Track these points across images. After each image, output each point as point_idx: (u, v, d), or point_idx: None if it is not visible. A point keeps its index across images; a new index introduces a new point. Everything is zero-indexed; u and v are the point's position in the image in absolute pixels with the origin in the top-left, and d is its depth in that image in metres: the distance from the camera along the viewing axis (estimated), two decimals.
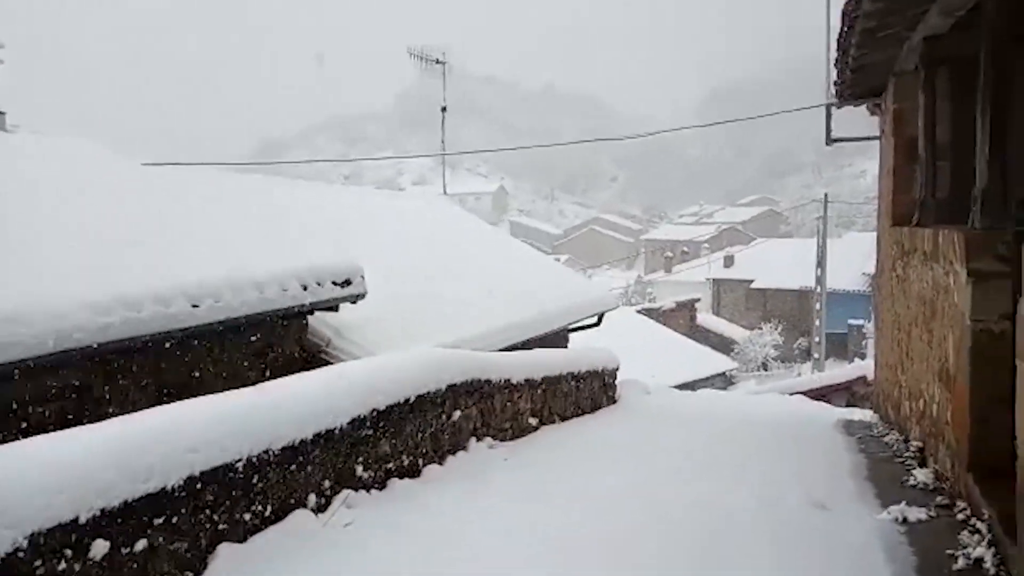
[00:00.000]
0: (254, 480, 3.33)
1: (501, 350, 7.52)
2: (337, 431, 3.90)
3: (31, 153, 6.02)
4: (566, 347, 10.62)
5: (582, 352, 8.52)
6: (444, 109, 11.39)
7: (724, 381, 28.33)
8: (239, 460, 3.21)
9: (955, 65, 5.50)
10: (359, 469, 4.14)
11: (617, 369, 9.56)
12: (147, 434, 2.88)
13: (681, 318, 34.22)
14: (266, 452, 3.38)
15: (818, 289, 25.24)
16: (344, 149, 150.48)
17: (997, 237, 3.91)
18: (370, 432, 4.23)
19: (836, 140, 8.57)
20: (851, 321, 35.09)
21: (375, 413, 4.25)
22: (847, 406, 14.40)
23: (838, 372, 15.29)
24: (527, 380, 6.45)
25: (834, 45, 7.60)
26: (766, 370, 32.66)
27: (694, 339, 34.31)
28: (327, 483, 3.88)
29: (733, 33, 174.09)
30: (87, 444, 2.68)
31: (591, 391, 8.35)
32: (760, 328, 35.09)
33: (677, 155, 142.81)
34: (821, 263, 24.37)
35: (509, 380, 6.07)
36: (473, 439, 5.67)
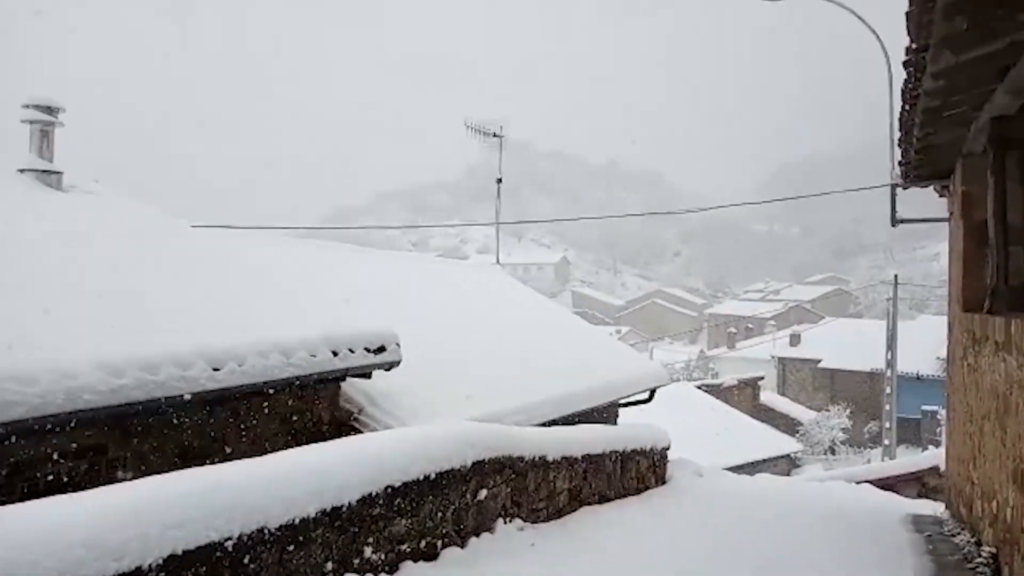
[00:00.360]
0: (245, 561, 3.11)
1: (541, 425, 7.22)
2: (345, 508, 3.67)
3: (78, 212, 6.13)
4: (615, 423, 10.22)
5: (629, 428, 8.14)
6: (499, 181, 11.41)
7: (788, 464, 27.08)
8: (229, 539, 3.00)
9: None
10: (368, 551, 3.88)
11: (668, 448, 9.10)
12: (126, 507, 2.70)
13: (744, 396, 33.08)
14: (260, 530, 3.17)
15: (888, 372, 24.10)
16: (412, 217, 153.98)
17: None
18: (383, 510, 3.98)
19: (902, 221, 8.18)
20: (924, 407, 33.42)
21: (389, 490, 4.01)
22: (918, 497, 13.48)
23: (909, 460, 14.36)
24: (564, 457, 6.14)
25: (898, 124, 7.34)
26: (833, 454, 31.11)
27: (758, 419, 33.11)
28: (330, 565, 3.63)
29: (801, 111, 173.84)
30: (58, 517, 2.51)
31: (637, 471, 7.93)
32: (827, 410, 33.61)
33: (742, 231, 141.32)
34: (891, 345, 23.32)
35: (544, 457, 5.77)
36: (501, 520, 5.35)
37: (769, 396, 35.97)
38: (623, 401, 10.08)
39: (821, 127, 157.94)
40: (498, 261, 11.36)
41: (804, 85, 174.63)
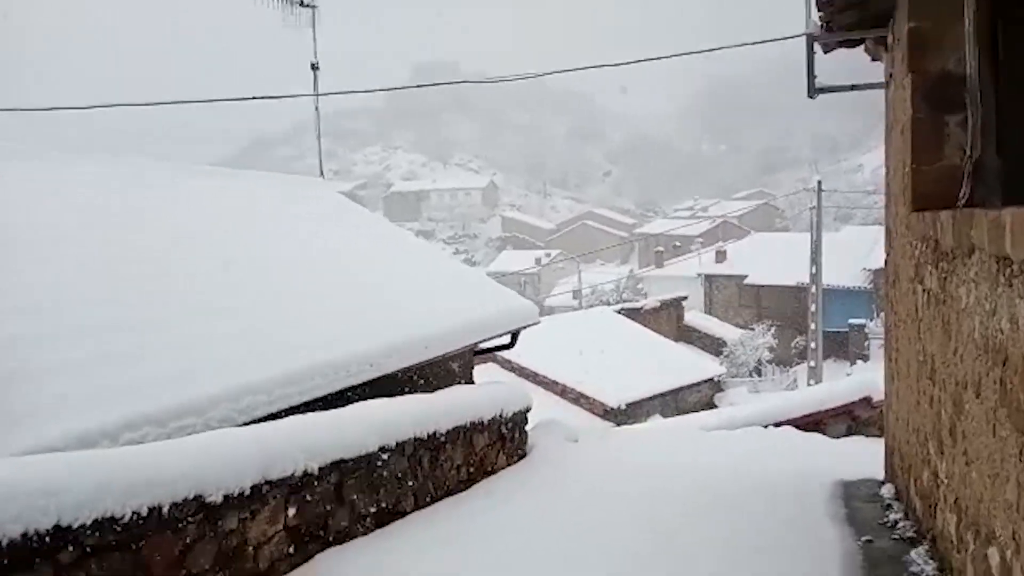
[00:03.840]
0: None
1: (315, 404, 4.89)
2: None
3: None
4: (469, 378, 7.99)
5: (457, 394, 5.89)
6: (315, 67, 8.74)
7: (712, 388, 25.74)
8: None
9: None
10: None
11: (527, 411, 6.94)
12: None
13: (667, 317, 31.56)
14: None
15: (813, 288, 22.59)
16: (332, 144, 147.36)
17: None
18: None
19: (821, 90, 5.95)
20: (852, 320, 32.55)
21: None
22: (847, 433, 11.87)
23: (836, 390, 12.58)
24: (283, 480, 3.73)
25: None
26: (759, 375, 29.99)
27: (682, 340, 31.75)
28: None
29: (720, 35, 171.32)
30: None
31: (471, 454, 5.73)
32: (753, 328, 32.42)
33: (670, 150, 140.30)
34: (815, 256, 21.72)
35: (241, 493, 3.41)
36: None
37: (694, 316, 34.62)
38: (481, 347, 7.86)
39: (744, 47, 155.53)
40: (321, 174, 8.83)
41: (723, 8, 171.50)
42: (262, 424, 3.97)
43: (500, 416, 6.29)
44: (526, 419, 6.96)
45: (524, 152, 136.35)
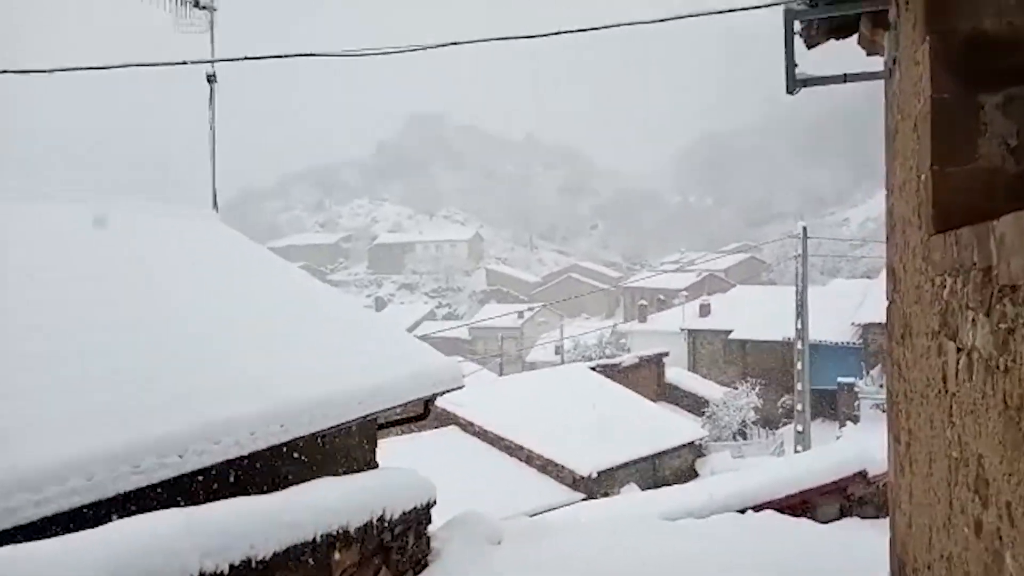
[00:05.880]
0: None
1: (60, 520, 3.27)
2: None
3: None
4: (371, 456, 6.34)
5: (305, 497, 4.24)
6: (212, 79, 7.30)
7: (693, 452, 23.97)
8: None
9: None
10: None
11: (427, 507, 5.30)
12: None
13: (647, 375, 29.89)
14: None
15: (799, 344, 21.06)
16: (321, 197, 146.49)
17: None
18: None
19: (804, 83, 4.54)
20: (840, 379, 30.97)
21: None
22: (840, 515, 10.34)
23: (827, 463, 11.01)
24: None
25: None
26: (744, 438, 28.22)
27: (664, 399, 30.08)
28: None
29: (708, 90, 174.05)
30: None
31: None
32: (736, 387, 30.76)
33: (658, 204, 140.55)
34: (801, 308, 20.22)
35: None
36: None
37: (676, 373, 32.96)
38: (384, 420, 6.27)
39: (732, 102, 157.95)
40: (215, 205, 7.34)
41: (720, 60, 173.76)
42: None
43: (382, 519, 4.68)
44: (427, 517, 5.33)
45: (512, 205, 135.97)
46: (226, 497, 4.06)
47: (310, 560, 4.02)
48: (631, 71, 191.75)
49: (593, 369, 26.94)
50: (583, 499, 16.88)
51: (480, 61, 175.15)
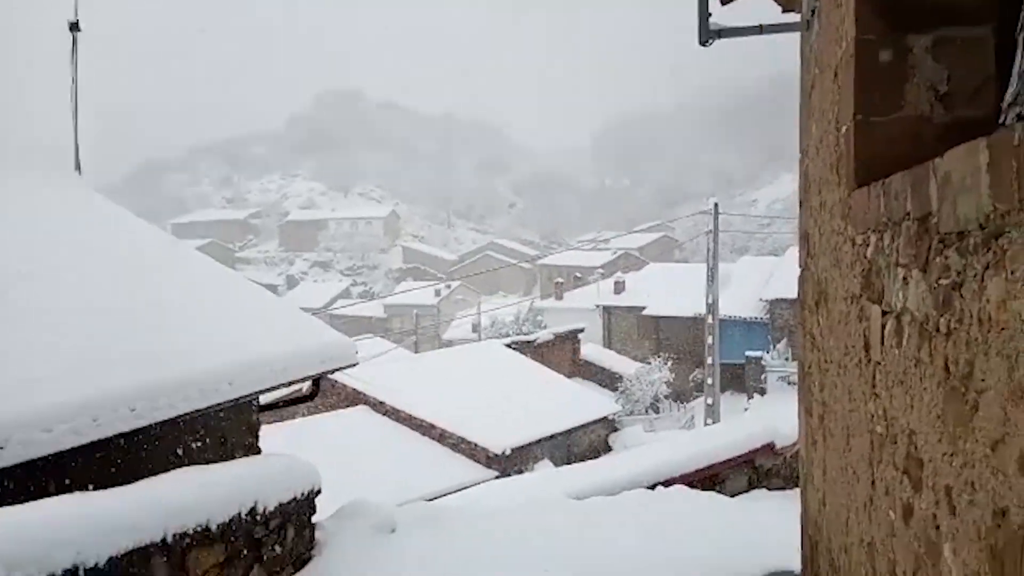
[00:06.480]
0: None
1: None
2: None
3: None
4: (253, 442, 5.78)
5: (161, 489, 3.69)
6: (75, 27, 6.47)
7: (607, 427, 24.07)
8: None
9: None
10: None
11: (310, 496, 4.81)
12: None
13: (562, 352, 29.86)
14: None
15: (710, 318, 21.31)
16: (228, 171, 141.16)
17: None
18: None
19: (719, 34, 4.18)
20: (749, 353, 31.74)
21: None
22: (749, 487, 10.35)
23: (735, 437, 10.97)
24: None
25: None
26: (656, 411, 28.58)
27: (579, 375, 30.14)
28: None
29: (624, 71, 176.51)
30: None
31: None
32: (649, 362, 31.13)
33: (575, 184, 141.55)
34: (712, 282, 20.44)
35: None
36: None
37: (591, 349, 33.10)
38: (266, 400, 5.72)
39: (648, 83, 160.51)
40: (78, 168, 6.58)
41: (634, 42, 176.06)
42: None
43: (253, 512, 4.16)
44: (311, 507, 4.84)
45: (430, 183, 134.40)
46: (60, 495, 3.48)
47: (162, 562, 3.49)
48: (555, 43, 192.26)
49: (508, 346, 26.68)
50: (495, 477, 16.60)
51: (397, 35, 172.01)
